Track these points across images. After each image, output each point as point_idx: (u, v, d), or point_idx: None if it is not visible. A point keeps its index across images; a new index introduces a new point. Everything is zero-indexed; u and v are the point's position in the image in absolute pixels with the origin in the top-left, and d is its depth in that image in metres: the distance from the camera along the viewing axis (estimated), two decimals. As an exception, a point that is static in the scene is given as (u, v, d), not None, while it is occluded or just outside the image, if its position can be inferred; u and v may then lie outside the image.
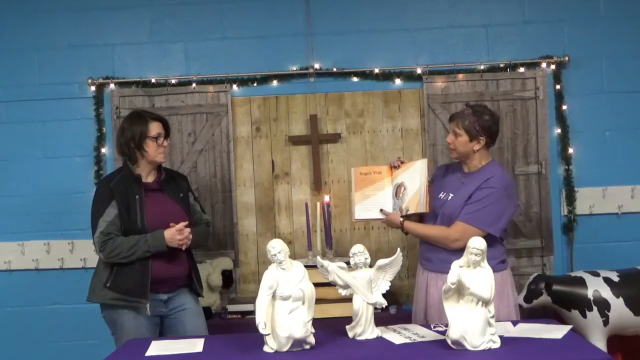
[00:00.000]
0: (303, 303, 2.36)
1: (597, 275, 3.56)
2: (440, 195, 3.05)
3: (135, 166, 3.11)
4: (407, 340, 2.44)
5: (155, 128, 3.10)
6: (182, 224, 3.02)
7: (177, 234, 3.00)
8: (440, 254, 2.96)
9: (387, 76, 4.04)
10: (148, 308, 2.98)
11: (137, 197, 3.04)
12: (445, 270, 2.86)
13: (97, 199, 3.09)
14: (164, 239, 2.99)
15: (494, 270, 2.93)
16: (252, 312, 3.48)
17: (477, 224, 2.90)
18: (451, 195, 3.01)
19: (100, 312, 3.12)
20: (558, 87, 4.01)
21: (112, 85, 4.06)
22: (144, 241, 2.98)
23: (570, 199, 4.01)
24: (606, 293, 3.48)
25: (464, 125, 2.98)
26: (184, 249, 3.05)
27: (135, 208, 3.02)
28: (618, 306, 3.47)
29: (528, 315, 3.43)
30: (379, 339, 2.48)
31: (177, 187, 3.23)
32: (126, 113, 3.98)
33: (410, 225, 3.07)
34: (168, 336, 3.03)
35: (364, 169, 3.32)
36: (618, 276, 3.55)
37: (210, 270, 3.85)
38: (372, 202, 3.22)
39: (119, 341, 3.01)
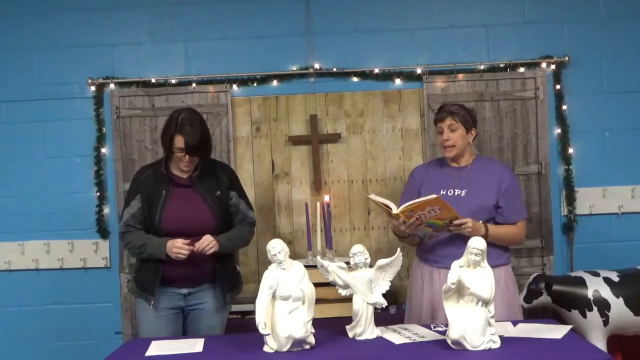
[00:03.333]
0: (303, 303, 2.36)
1: (597, 275, 3.57)
2: (442, 192, 3.03)
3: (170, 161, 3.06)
4: (407, 340, 2.44)
5: (178, 142, 2.94)
6: (182, 244, 2.90)
7: (175, 247, 2.90)
8: (450, 249, 2.91)
9: (387, 76, 4.04)
10: (151, 305, 2.99)
11: (163, 192, 3.00)
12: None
13: (128, 189, 3.14)
14: (164, 248, 2.93)
15: (505, 263, 2.99)
16: (252, 312, 3.47)
17: (526, 214, 3.12)
18: (458, 191, 2.99)
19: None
20: (558, 87, 4.01)
21: (112, 85, 4.06)
22: (150, 244, 2.97)
23: (570, 199, 4.01)
24: (606, 293, 3.48)
25: (459, 118, 3.01)
26: (210, 253, 2.94)
27: (158, 204, 2.99)
28: (618, 306, 3.47)
29: (528, 315, 3.43)
30: (379, 339, 2.48)
31: (216, 183, 3.07)
32: (126, 113, 4.03)
33: (493, 229, 2.95)
34: (168, 336, 3.02)
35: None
36: (618, 276, 3.55)
37: (210, 270, 3.85)
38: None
39: (138, 329, 3.11)
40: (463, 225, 2.84)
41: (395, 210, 2.84)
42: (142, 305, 3.05)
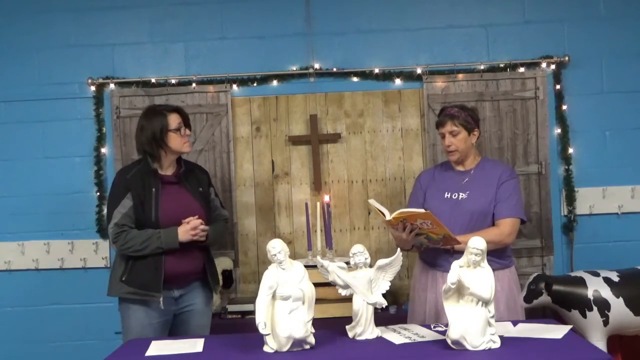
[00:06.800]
0: (303, 303, 2.36)
1: (597, 275, 3.57)
2: (446, 195, 3.03)
3: (156, 161, 3.07)
4: (407, 340, 2.43)
5: (174, 120, 3.06)
6: (190, 218, 3.00)
7: (188, 226, 2.98)
8: (454, 254, 2.88)
9: (387, 76, 4.04)
10: (161, 302, 2.96)
11: (153, 190, 3.00)
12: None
13: (113, 189, 3.08)
14: (177, 236, 2.96)
15: (507, 266, 2.98)
16: (252, 312, 3.47)
17: (518, 214, 2.99)
18: (462, 194, 2.99)
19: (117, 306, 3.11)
20: (558, 87, 4.01)
21: (112, 85, 4.06)
22: (157, 237, 2.95)
23: (570, 199, 4.01)
24: (606, 293, 3.48)
25: (460, 122, 3.00)
26: (198, 239, 3.02)
27: (150, 201, 2.99)
28: (618, 306, 3.47)
29: (528, 315, 3.43)
30: (379, 339, 2.48)
31: (197, 180, 3.18)
32: (126, 113, 4.03)
33: (463, 239, 2.84)
34: (168, 336, 3.03)
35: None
36: (618, 276, 3.56)
37: (210, 270, 3.85)
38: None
39: (126, 337, 3.02)
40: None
41: (388, 217, 2.85)
42: (134, 311, 3.00)
